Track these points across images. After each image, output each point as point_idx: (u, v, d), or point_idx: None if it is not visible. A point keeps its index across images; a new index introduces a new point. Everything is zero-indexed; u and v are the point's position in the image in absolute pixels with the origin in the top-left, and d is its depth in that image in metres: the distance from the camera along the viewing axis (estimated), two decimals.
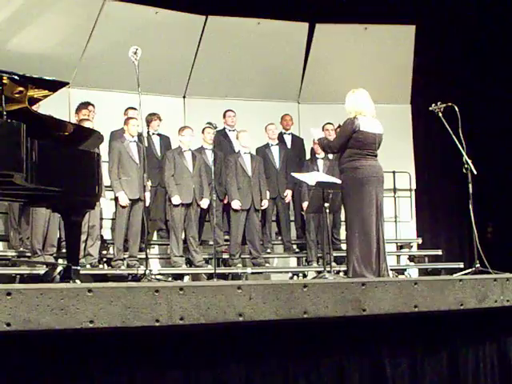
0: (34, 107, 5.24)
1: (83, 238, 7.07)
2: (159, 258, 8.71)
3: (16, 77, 4.63)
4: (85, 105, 8.10)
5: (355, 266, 5.56)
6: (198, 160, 8.17)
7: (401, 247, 10.14)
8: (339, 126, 8.18)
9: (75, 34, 8.93)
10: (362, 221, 5.62)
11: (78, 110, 8.07)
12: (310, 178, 7.10)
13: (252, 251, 8.44)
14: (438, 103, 6.57)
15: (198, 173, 8.13)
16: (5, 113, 4.55)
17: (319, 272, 7.65)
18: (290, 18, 9.84)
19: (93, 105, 8.18)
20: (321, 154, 8.67)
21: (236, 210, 8.37)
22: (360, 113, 5.73)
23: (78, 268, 5.26)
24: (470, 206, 6.38)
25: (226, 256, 8.52)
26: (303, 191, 8.64)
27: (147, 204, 7.60)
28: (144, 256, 6.80)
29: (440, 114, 6.53)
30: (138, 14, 9.12)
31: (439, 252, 9.82)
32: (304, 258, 9.00)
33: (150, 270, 6.52)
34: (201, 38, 9.73)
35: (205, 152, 8.44)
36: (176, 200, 7.94)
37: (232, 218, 8.49)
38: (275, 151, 9.00)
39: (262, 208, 8.59)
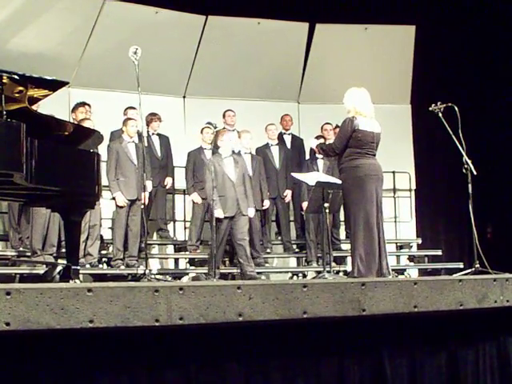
0: (34, 107, 5.23)
1: (83, 237, 7.06)
2: (159, 258, 8.71)
3: (16, 76, 4.62)
4: (81, 104, 8.07)
5: (359, 265, 5.53)
6: (240, 166, 7.69)
7: (400, 247, 10.14)
8: (337, 127, 8.21)
9: (75, 34, 8.92)
10: (365, 217, 5.59)
11: (74, 110, 8.02)
12: (309, 178, 7.10)
13: (252, 251, 8.43)
14: (438, 103, 6.55)
15: (241, 181, 7.65)
16: (5, 112, 4.54)
17: (319, 272, 7.65)
18: (290, 17, 9.83)
19: (89, 104, 8.12)
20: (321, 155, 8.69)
21: None
22: (361, 113, 5.72)
23: (78, 268, 5.26)
24: (470, 206, 6.37)
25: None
26: (303, 191, 8.63)
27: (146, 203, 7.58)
28: (144, 256, 6.80)
29: (440, 115, 6.51)
30: (138, 13, 9.11)
31: (439, 252, 9.82)
32: (304, 258, 8.99)
33: (150, 270, 6.51)
34: (201, 38, 9.72)
35: (204, 152, 8.42)
36: (219, 214, 7.42)
37: None
38: (275, 151, 9.01)
39: (263, 208, 8.59)
